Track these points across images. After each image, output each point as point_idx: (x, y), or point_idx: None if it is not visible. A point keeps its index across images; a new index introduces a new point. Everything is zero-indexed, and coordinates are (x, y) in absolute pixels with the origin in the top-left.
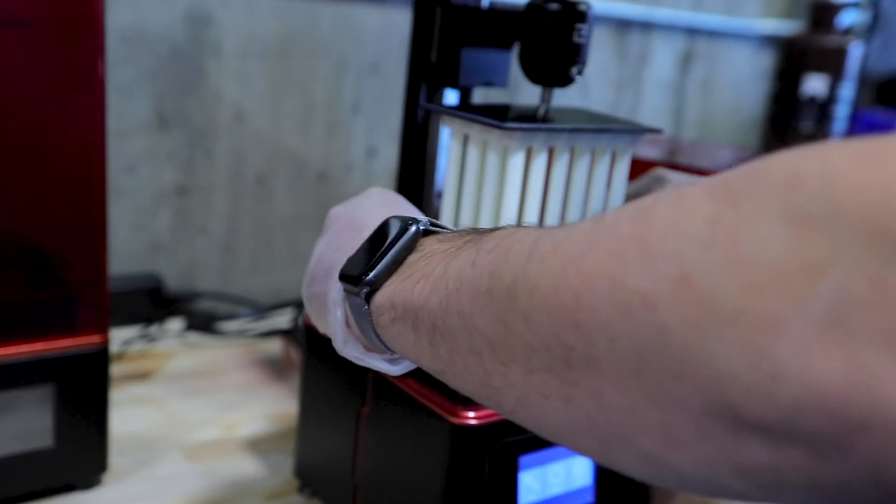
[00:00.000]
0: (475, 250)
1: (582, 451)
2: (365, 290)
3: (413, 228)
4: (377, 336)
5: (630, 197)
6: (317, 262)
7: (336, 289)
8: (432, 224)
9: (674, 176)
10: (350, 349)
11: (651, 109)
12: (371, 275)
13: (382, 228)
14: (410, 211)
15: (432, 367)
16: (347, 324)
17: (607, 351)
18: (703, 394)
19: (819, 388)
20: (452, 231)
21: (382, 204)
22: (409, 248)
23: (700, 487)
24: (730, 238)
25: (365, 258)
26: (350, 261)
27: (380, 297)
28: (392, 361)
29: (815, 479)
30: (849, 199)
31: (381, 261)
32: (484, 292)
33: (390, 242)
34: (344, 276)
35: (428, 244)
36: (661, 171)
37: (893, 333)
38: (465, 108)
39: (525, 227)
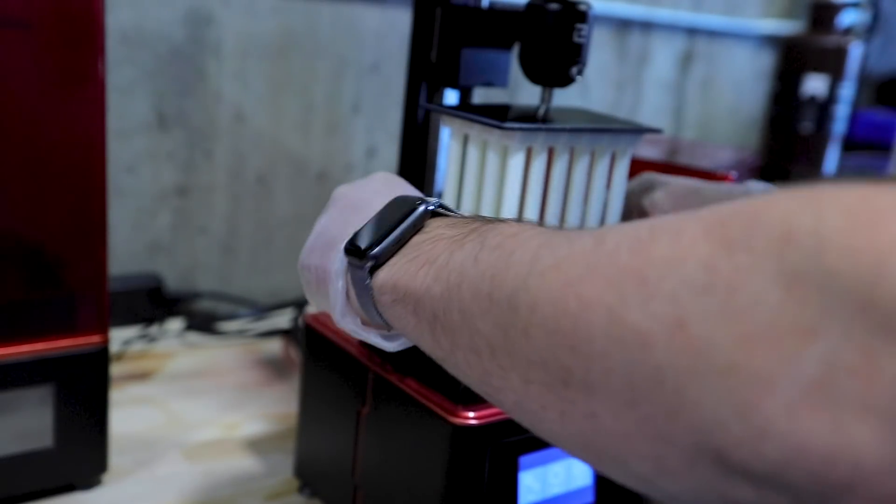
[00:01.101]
0: (479, 244)
1: (579, 459)
2: (370, 263)
3: (421, 208)
4: (377, 311)
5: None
6: (318, 235)
7: (339, 261)
8: (441, 206)
9: (664, 179)
10: (348, 322)
11: (651, 109)
12: (377, 249)
13: (391, 205)
14: (415, 193)
15: (433, 353)
16: (347, 296)
17: (603, 379)
18: (694, 435)
19: (805, 448)
20: (460, 216)
21: (387, 185)
22: (416, 228)
23: None
24: (725, 288)
25: (371, 233)
26: (356, 234)
27: (383, 275)
28: (388, 338)
29: None
30: (841, 264)
31: (387, 236)
32: (485, 296)
33: (398, 220)
34: (349, 250)
35: (435, 226)
36: (650, 176)
37: (878, 404)
38: (465, 108)
39: (530, 226)
